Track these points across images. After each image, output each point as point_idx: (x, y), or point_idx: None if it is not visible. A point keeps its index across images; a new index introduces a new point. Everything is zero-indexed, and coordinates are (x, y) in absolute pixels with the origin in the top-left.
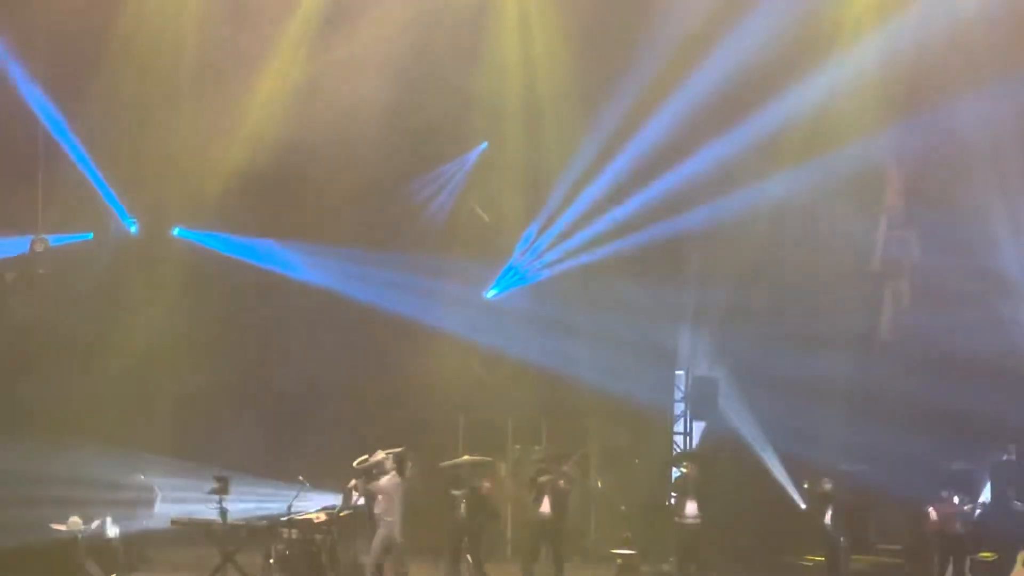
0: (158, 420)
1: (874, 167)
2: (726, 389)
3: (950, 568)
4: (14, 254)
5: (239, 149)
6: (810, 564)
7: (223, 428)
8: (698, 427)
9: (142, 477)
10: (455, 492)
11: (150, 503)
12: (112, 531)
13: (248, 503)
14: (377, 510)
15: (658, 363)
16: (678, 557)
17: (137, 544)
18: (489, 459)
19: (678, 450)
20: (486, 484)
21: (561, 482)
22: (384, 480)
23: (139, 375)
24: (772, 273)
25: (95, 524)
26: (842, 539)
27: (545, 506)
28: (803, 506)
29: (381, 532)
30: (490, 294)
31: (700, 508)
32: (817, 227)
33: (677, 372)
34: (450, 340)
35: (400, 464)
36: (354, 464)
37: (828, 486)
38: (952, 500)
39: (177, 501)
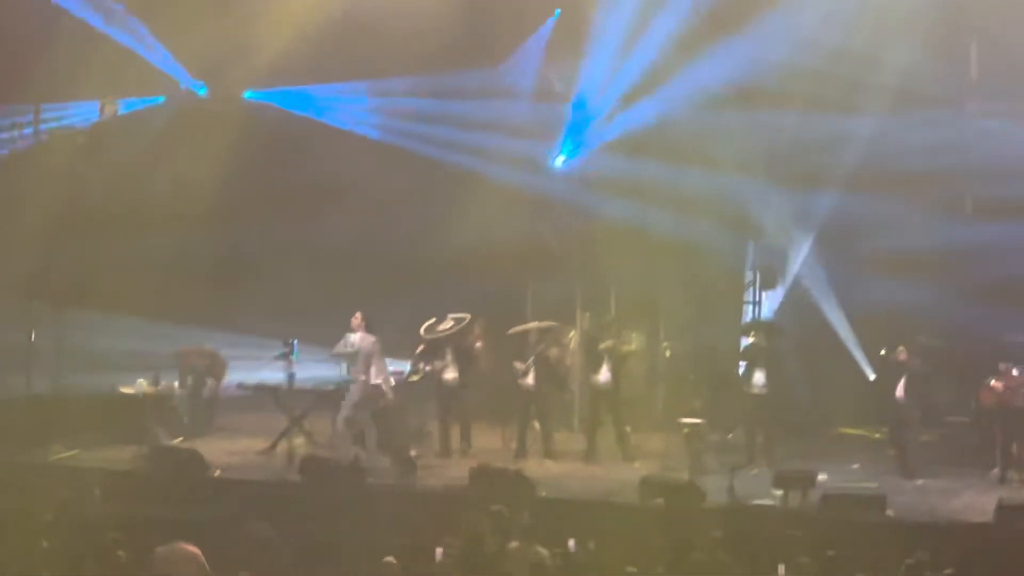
0: (224, 285)
1: None
2: (800, 257)
3: (1015, 445)
4: (85, 120)
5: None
6: (878, 437)
7: (289, 293)
8: (770, 296)
9: (207, 346)
10: (519, 364)
11: (217, 368)
12: (179, 395)
13: (315, 368)
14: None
15: (732, 229)
16: (745, 427)
17: (203, 409)
18: (557, 324)
19: (749, 319)
20: (554, 351)
21: (623, 348)
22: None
23: (204, 240)
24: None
25: (161, 386)
26: (913, 412)
27: (604, 374)
28: (873, 377)
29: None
30: (560, 157)
31: (769, 378)
32: None
33: (751, 239)
34: (518, 204)
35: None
36: (421, 330)
37: (903, 356)
38: (1012, 373)
39: (243, 367)
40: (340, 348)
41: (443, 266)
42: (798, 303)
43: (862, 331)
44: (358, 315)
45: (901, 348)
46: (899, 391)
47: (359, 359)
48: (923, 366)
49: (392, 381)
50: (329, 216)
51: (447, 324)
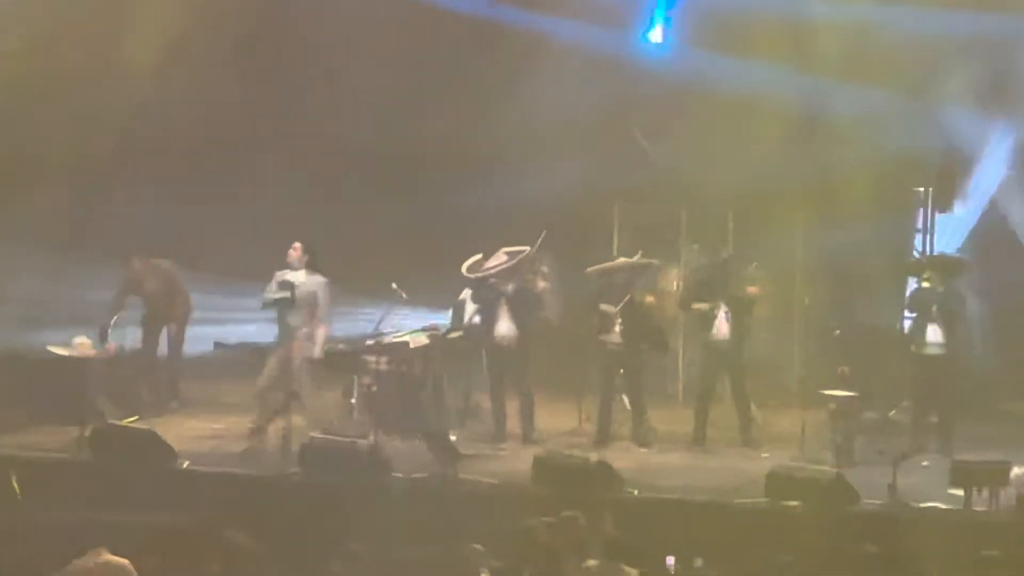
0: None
1: None
2: (987, 169)
3: None
4: None
5: None
6: None
7: (284, 214)
8: (950, 220)
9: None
10: (606, 308)
11: (179, 307)
12: (133, 356)
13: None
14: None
15: (896, 135)
16: (914, 401)
17: (167, 376)
18: (654, 262)
19: (918, 255)
20: (648, 297)
21: (745, 293)
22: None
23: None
24: None
25: (109, 345)
26: None
27: (721, 326)
28: None
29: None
30: (656, 29)
31: (947, 335)
32: None
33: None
34: (599, 92)
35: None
36: (463, 269)
37: None
38: None
39: (220, 321)
40: (271, 292)
41: (492, 175)
42: (991, 232)
43: None
44: (298, 246)
45: None
46: None
47: (300, 306)
48: None
49: (323, 339)
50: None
51: (499, 260)
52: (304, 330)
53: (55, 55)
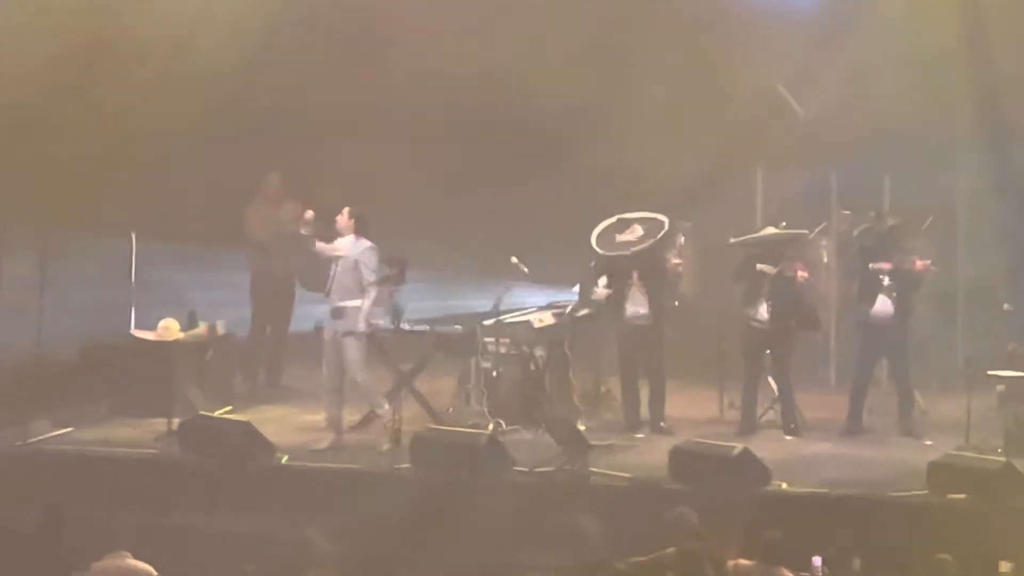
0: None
1: None
2: None
3: None
4: None
5: None
6: None
7: (378, 183)
8: None
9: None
10: (763, 267)
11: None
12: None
13: (434, 299)
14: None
15: None
16: None
17: (265, 358)
18: (803, 231)
19: None
20: (799, 270)
21: (910, 265)
22: None
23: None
24: None
25: (200, 328)
26: None
27: (882, 303)
28: None
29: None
30: None
31: None
32: None
33: None
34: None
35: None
36: (593, 240)
37: None
38: None
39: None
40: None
41: (624, 140)
42: None
43: None
44: (346, 211)
45: None
46: None
47: (343, 277)
48: None
49: (367, 311)
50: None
51: (634, 231)
52: (352, 303)
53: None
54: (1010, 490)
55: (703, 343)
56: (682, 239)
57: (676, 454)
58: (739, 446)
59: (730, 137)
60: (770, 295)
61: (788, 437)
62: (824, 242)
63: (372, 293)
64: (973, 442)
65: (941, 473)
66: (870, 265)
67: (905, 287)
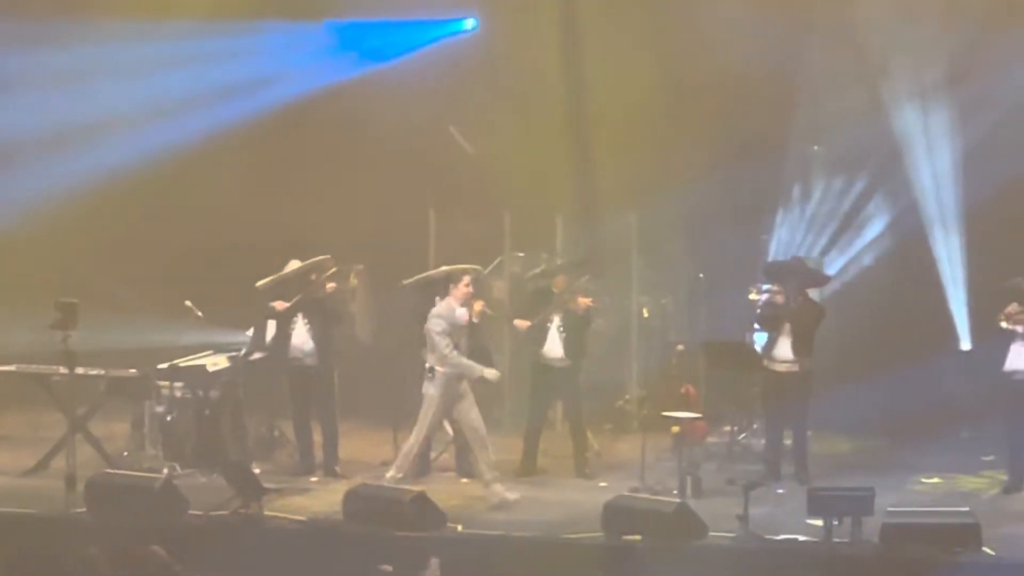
0: None
1: None
2: None
3: None
4: None
5: None
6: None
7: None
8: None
9: None
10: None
11: None
12: None
13: (106, 341)
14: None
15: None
16: (767, 422)
17: None
18: (475, 267)
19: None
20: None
21: (577, 303)
22: None
23: None
24: None
25: None
26: None
27: (553, 344)
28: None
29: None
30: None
31: (795, 350)
32: None
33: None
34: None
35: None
36: (258, 285)
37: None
38: None
39: None
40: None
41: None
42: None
43: None
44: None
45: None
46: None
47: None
48: None
49: None
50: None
51: (292, 267)
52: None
53: None
54: (685, 531)
55: (380, 385)
56: (353, 280)
57: (351, 497)
58: (415, 489)
59: (402, 177)
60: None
61: (463, 480)
62: (497, 283)
63: None
64: (648, 483)
65: (616, 514)
66: (542, 301)
67: (572, 326)
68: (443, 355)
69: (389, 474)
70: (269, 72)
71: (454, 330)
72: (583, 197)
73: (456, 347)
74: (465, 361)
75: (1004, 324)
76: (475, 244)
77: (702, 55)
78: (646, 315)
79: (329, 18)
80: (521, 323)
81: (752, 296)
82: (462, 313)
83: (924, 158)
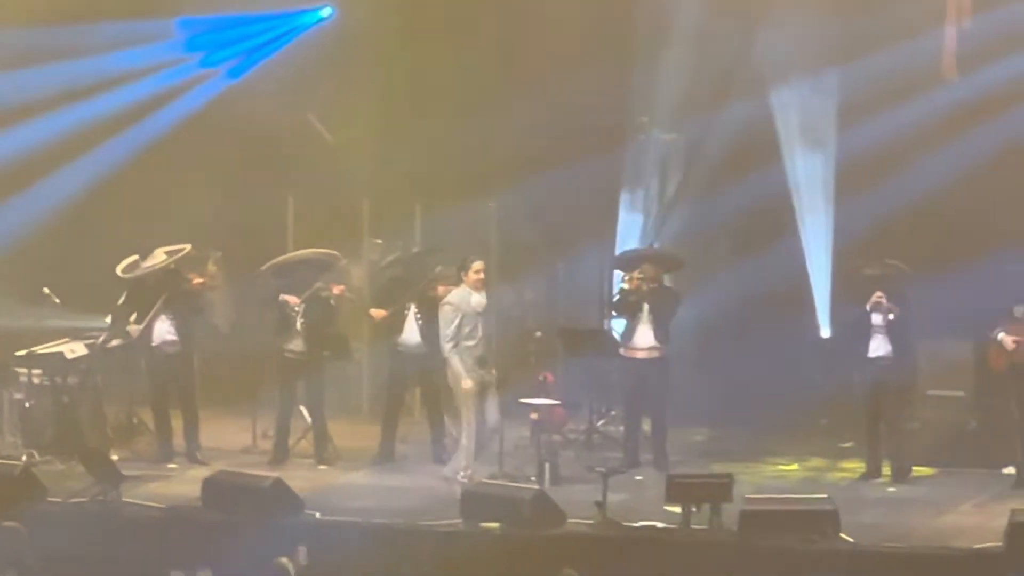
0: None
1: None
2: None
3: None
4: None
5: None
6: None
7: None
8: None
9: None
10: (287, 298)
11: None
12: None
13: None
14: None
15: None
16: (625, 409)
17: None
18: (337, 254)
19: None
20: (335, 289)
21: (435, 290)
22: None
23: None
24: None
25: None
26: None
27: (411, 331)
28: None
29: None
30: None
31: (655, 336)
32: None
33: None
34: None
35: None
36: (119, 270)
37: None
38: None
39: None
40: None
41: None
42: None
43: None
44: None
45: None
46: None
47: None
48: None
49: None
50: None
51: (156, 257)
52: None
53: None
54: (542, 518)
55: (239, 372)
56: (212, 267)
57: (209, 484)
58: (272, 476)
59: (261, 165)
60: (304, 323)
61: (322, 466)
62: (356, 270)
63: None
64: (506, 470)
65: (474, 501)
66: (400, 288)
67: (430, 314)
68: (442, 344)
69: (461, 474)
70: (118, 71)
71: (468, 317)
72: (442, 184)
73: (472, 332)
74: (454, 362)
75: (871, 310)
76: (333, 231)
77: (540, 42)
78: (506, 303)
79: (183, 15)
80: (377, 312)
81: (624, 285)
82: (479, 300)
83: (793, 145)
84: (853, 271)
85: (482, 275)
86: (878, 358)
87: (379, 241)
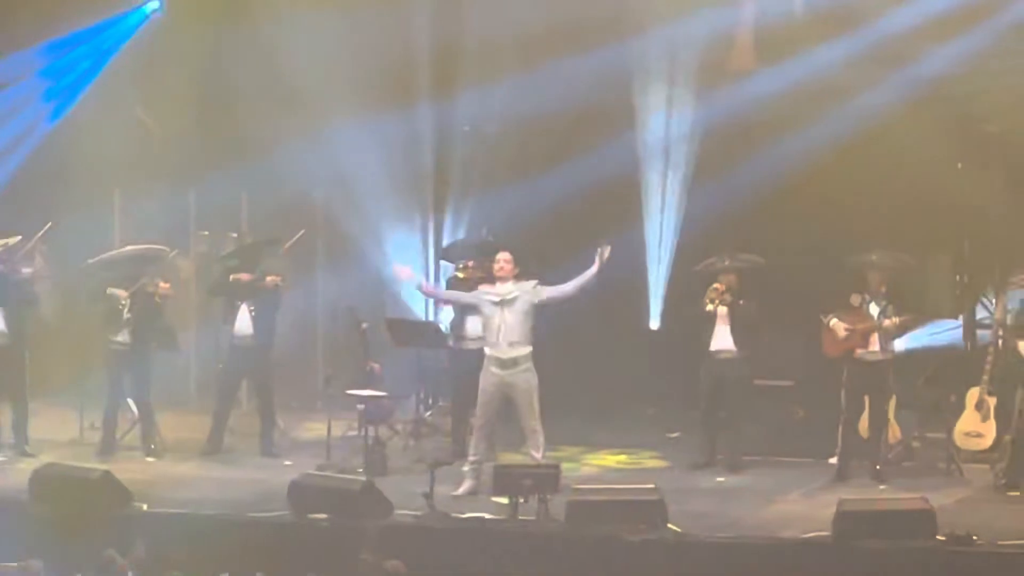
0: None
1: None
2: None
3: (863, 419)
4: None
5: None
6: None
7: None
8: None
9: None
10: (114, 291)
11: None
12: None
13: None
14: None
15: None
16: (452, 400)
17: None
18: (164, 249)
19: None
20: (158, 290)
21: (265, 282)
22: None
23: None
24: None
25: None
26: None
27: (243, 322)
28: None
29: None
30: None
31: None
32: None
33: None
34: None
35: None
36: None
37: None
38: (868, 308)
39: None
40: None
41: None
42: None
43: None
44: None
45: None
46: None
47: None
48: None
49: None
50: None
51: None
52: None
53: None
54: (370, 509)
55: (66, 364)
56: (39, 260)
57: (37, 476)
58: (100, 468)
59: (87, 156)
60: (131, 316)
61: (149, 459)
62: (183, 262)
63: None
64: (334, 461)
65: (302, 492)
66: (230, 280)
67: (264, 305)
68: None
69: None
70: None
71: (487, 310)
72: (266, 175)
73: (495, 324)
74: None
75: (709, 306)
76: (160, 223)
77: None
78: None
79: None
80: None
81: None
82: (508, 289)
83: (641, 136)
84: (705, 268)
85: (500, 265)
86: (719, 351)
87: (206, 233)
